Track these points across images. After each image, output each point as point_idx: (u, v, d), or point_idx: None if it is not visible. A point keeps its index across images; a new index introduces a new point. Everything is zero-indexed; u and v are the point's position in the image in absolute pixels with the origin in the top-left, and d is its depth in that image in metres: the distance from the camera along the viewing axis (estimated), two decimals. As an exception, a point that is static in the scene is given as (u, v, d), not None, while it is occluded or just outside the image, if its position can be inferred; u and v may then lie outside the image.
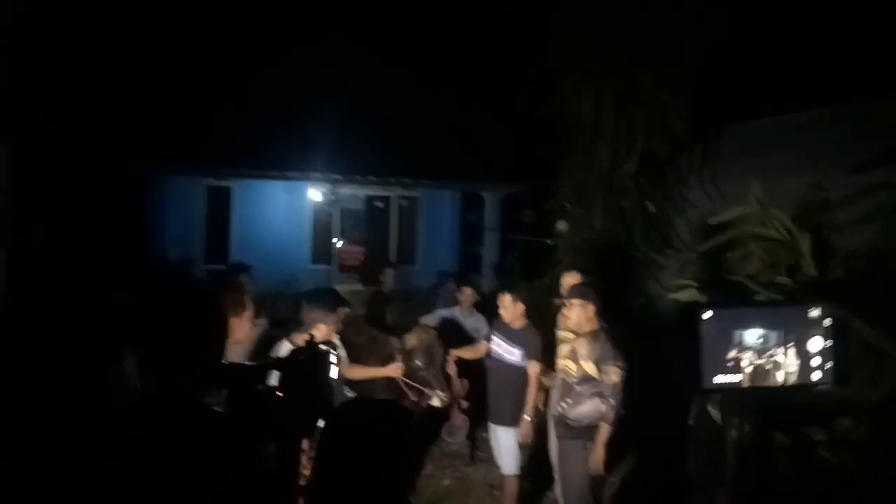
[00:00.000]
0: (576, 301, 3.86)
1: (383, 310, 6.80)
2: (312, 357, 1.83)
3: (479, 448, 5.62)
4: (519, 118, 10.06)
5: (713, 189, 8.57)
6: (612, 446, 3.59)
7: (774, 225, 3.51)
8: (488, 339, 4.68)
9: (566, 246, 7.75)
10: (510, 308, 4.45)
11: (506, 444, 4.35)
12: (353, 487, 1.57)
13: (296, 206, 13.45)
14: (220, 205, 12.98)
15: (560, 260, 7.74)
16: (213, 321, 1.68)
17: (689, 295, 3.66)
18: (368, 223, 14.53)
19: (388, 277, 7.58)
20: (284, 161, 11.52)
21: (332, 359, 2.16)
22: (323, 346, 2.05)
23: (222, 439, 1.40)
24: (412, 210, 14.66)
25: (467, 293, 5.61)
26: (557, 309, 4.80)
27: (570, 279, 4.48)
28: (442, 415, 4.80)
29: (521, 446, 4.38)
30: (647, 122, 7.44)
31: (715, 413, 2.51)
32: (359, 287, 14.01)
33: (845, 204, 4.71)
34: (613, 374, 3.56)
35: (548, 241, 8.09)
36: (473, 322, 5.88)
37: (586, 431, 3.71)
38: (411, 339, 3.56)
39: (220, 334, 1.70)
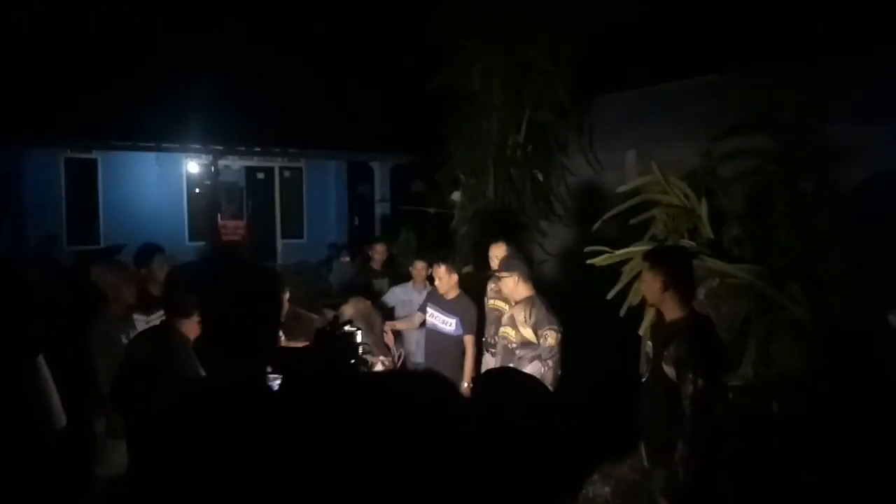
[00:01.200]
0: (504, 273, 3.96)
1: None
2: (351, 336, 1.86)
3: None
4: (406, 88, 10.02)
5: (592, 157, 9.08)
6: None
7: (676, 193, 3.80)
8: (423, 310, 4.74)
9: (461, 215, 7.88)
10: (445, 279, 4.51)
11: None
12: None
13: (170, 179, 12.63)
14: (83, 179, 11.92)
15: (455, 229, 7.89)
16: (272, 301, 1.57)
17: (605, 259, 3.89)
18: (249, 196, 13.95)
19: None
20: (156, 131, 10.71)
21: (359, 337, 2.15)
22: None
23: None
24: (296, 182, 14.23)
25: (419, 267, 5.43)
26: (485, 279, 4.90)
27: (497, 251, 4.55)
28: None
29: None
30: (534, 93, 7.65)
31: (669, 369, 2.66)
32: (243, 263, 13.51)
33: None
34: (550, 338, 3.66)
35: (442, 211, 8.19)
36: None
37: None
38: (348, 310, 3.51)
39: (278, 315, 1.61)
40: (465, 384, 4.42)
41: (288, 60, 11.68)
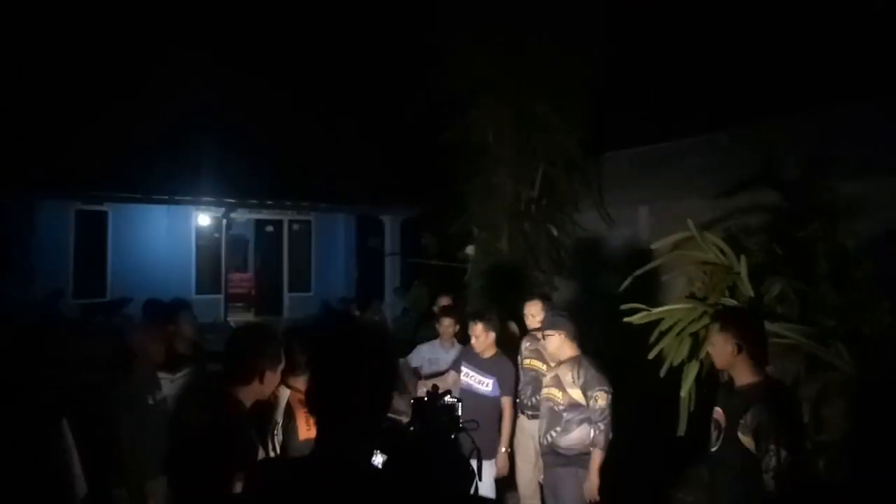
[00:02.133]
0: (549, 332, 3.84)
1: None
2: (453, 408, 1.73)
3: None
4: (416, 141, 10.13)
5: (603, 213, 9.10)
6: (605, 471, 3.59)
7: (712, 249, 3.75)
8: (457, 370, 4.50)
9: (474, 269, 7.84)
10: (482, 337, 4.31)
11: (486, 477, 4.13)
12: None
13: (179, 231, 12.65)
14: (93, 231, 11.92)
15: (469, 283, 7.83)
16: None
17: (642, 317, 3.83)
18: (258, 249, 13.95)
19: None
20: (166, 184, 10.79)
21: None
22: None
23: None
24: (304, 234, 14.25)
25: (446, 323, 5.08)
26: (516, 337, 4.79)
27: (533, 308, 4.44)
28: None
29: (497, 479, 4.27)
30: (546, 147, 7.72)
31: (747, 439, 2.51)
32: (251, 317, 13.41)
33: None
34: (601, 399, 3.56)
35: (458, 265, 8.15)
36: (455, 354, 5.29)
37: (578, 459, 3.67)
38: None
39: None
40: (503, 448, 4.23)
41: (299, 114, 11.87)
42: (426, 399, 1.75)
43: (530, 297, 4.63)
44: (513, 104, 7.56)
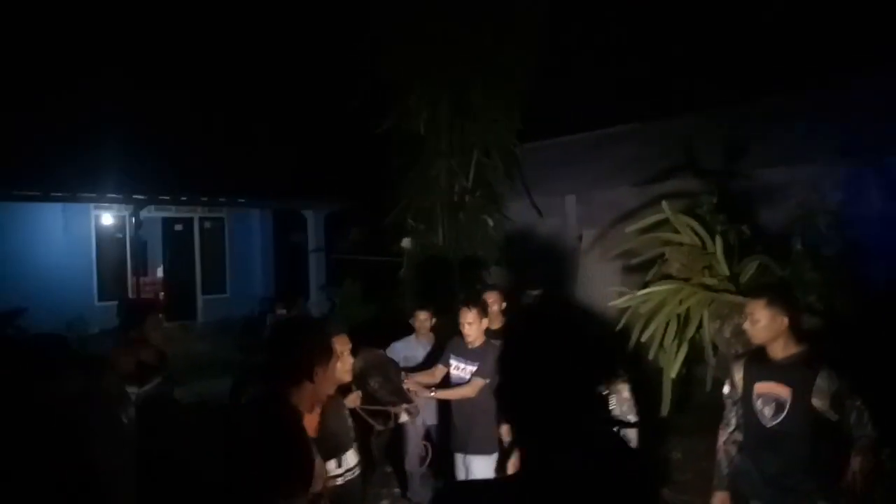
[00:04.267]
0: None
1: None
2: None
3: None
4: (342, 135, 9.80)
5: (533, 202, 9.17)
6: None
7: (687, 230, 3.76)
8: (446, 364, 4.20)
9: (410, 262, 7.67)
10: (476, 325, 3.99)
11: (480, 474, 3.94)
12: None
13: (78, 233, 11.61)
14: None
15: (404, 277, 7.65)
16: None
17: (627, 301, 3.79)
18: (167, 250, 13.05)
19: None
20: (60, 180, 9.83)
21: None
22: None
23: None
24: (217, 233, 13.47)
25: (422, 318, 4.77)
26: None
27: (492, 298, 4.33)
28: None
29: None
30: (481, 138, 7.65)
31: (821, 402, 2.72)
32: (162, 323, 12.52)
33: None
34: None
35: (390, 259, 7.95)
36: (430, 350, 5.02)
37: None
38: (357, 363, 3.10)
39: None
40: (431, 393, 4.07)
41: (212, 106, 11.21)
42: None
43: (491, 287, 4.50)
44: (447, 93, 7.43)
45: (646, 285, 3.77)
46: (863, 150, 5.47)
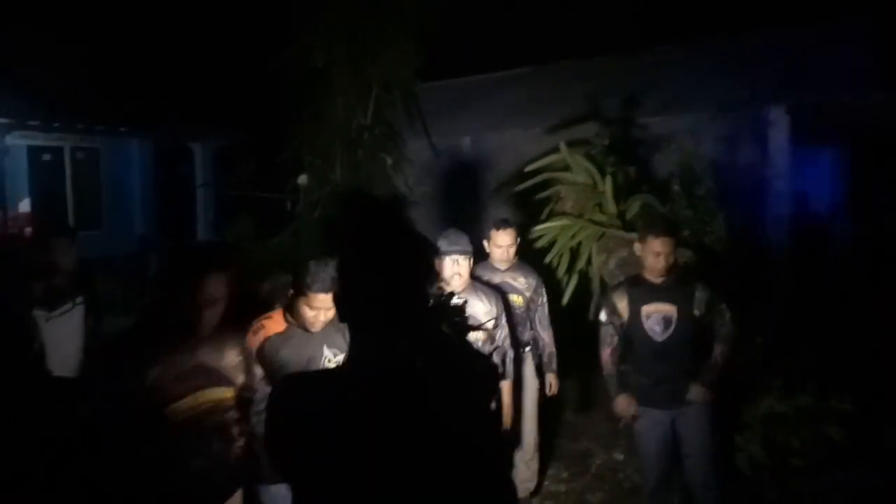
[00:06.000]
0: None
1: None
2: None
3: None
4: (232, 67, 9.30)
5: (431, 142, 9.21)
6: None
7: (581, 171, 3.96)
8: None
9: (306, 199, 7.54)
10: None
11: None
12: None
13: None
14: None
15: (301, 213, 7.51)
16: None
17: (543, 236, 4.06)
18: (34, 182, 11.95)
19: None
20: None
21: None
22: None
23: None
24: (91, 164, 12.47)
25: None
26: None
27: (507, 237, 4.26)
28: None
29: None
30: (380, 74, 7.53)
31: (698, 311, 3.43)
32: (30, 259, 11.56)
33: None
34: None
35: (282, 196, 7.79)
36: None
37: None
38: (265, 286, 3.05)
39: None
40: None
41: (100, 26, 10.23)
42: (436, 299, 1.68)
43: (503, 224, 4.28)
44: (347, 27, 7.21)
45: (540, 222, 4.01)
46: (739, 104, 5.96)
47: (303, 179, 7.43)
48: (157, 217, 12.97)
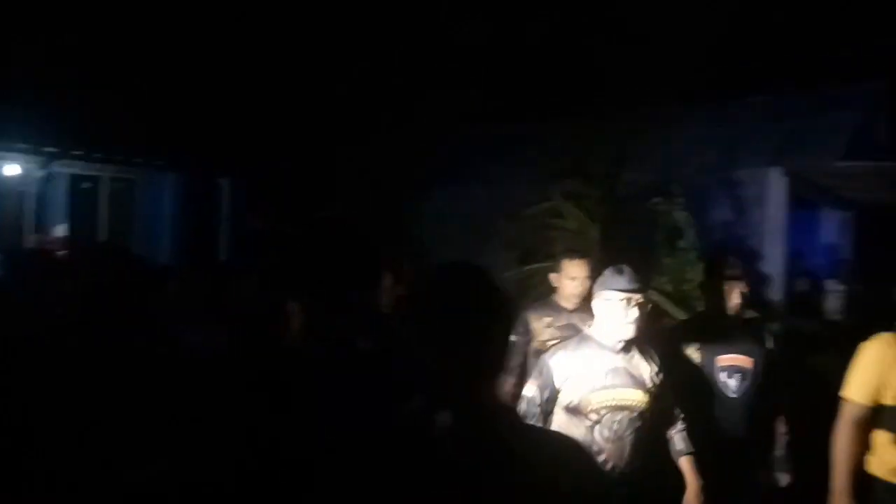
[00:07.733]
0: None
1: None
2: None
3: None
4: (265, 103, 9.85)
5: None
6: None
7: (572, 218, 4.43)
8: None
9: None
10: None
11: None
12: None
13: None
14: None
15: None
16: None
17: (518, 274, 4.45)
18: (72, 209, 12.57)
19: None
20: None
21: None
22: None
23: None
24: (126, 194, 13.10)
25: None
26: None
27: (579, 269, 3.59)
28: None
29: None
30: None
31: None
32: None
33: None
34: None
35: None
36: None
37: None
38: None
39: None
40: None
41: (136, 60, 10.92)
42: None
43: (571, 254, 3.68)
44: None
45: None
46: (716, 169, 6.44)
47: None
48: (184, 248, 13.49)
